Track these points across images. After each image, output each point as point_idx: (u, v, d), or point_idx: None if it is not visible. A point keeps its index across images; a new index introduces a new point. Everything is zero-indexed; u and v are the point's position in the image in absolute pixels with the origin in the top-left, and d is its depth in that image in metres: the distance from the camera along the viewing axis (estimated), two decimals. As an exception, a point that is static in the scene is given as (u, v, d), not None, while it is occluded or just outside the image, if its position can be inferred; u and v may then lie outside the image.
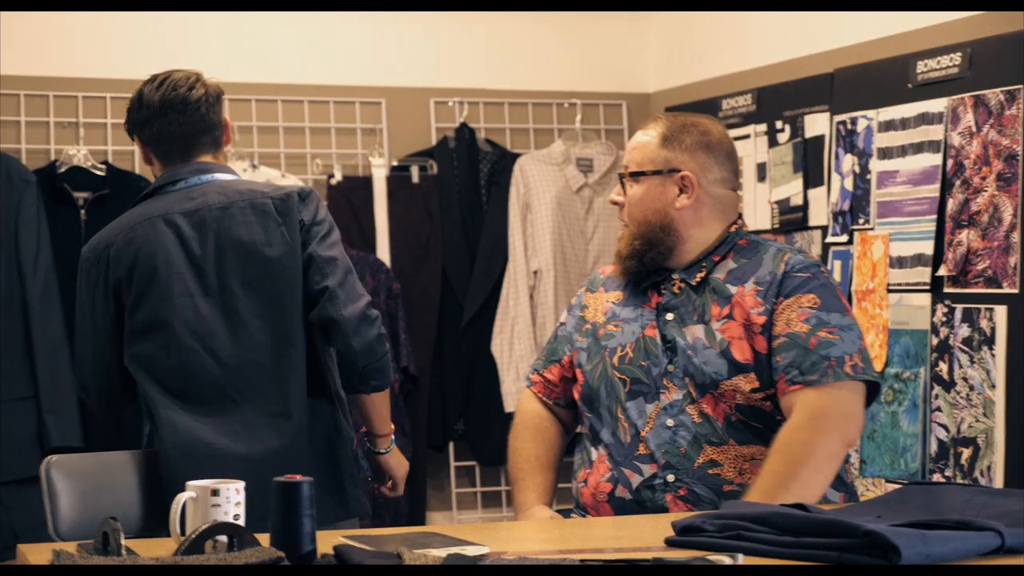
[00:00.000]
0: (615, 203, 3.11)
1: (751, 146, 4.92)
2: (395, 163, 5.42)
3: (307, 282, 3.04)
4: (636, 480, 2.93)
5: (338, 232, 3.14)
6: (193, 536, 2.11)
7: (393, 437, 3.31)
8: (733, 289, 2.96)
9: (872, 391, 2.92)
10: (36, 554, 2.28)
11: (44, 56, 5.03)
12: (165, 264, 3.03)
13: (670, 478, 2.90)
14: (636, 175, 3.05)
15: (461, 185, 5.44)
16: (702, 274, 3.00)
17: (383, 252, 5.28)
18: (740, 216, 3.11)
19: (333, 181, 5.31)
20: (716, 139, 3.07)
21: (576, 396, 3.11)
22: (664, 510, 2.88)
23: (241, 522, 2.28)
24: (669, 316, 2.99)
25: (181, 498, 2.31)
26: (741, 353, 2.91)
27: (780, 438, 2.82)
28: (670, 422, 2.92)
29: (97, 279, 3.09)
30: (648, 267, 3.03)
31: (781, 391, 2.87)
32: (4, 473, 4.65)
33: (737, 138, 4.81)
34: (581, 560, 2.07)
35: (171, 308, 3.01)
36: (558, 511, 3.10)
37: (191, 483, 2.33)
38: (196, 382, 2.99)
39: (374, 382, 3.11)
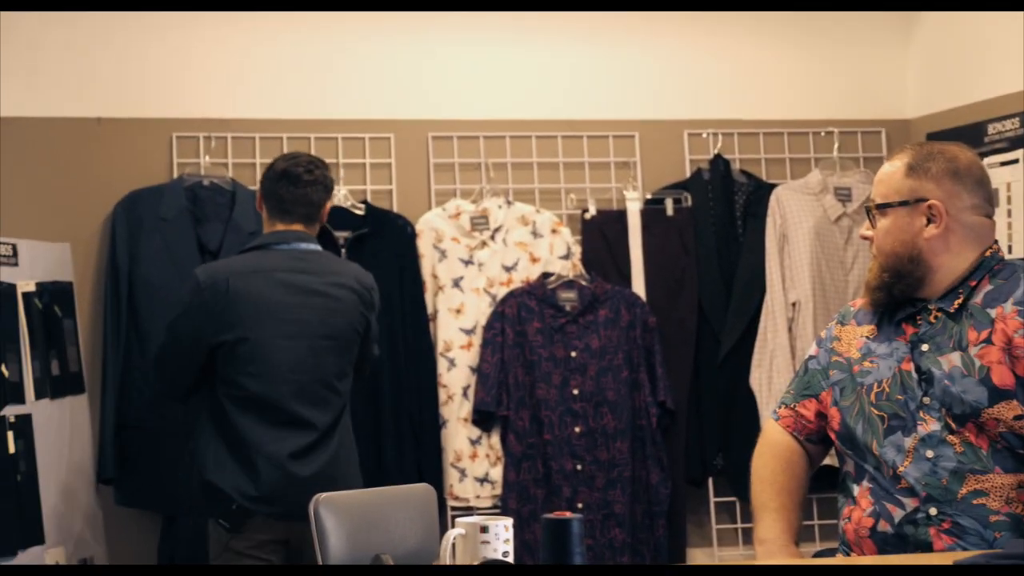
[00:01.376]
0: (865, 238, 3.06)
1: (1020, 171, 4.76)
2: (649, 196, 5.40)
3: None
4: (898, 514, 2.87)
5: None
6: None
7: None
8: (992, 312, 2.89)
9: None
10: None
11: (296, 98, 5.16)
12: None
13: (932, 511, 2.84)
14: (882, 207, 3.00)
15: (716, 217, 5.39)
16: (959, 300, 2.94)
17: (638, 286, 5.26)
18: (996, 242, 3.03)
19: (587, 215, 5.32)
20: (964, 165, 3.00)
21: (832, 434, 3.06)
22: (927, 544, 2.82)
23: (510, 558, 2.28)
24: (925, 347, 2.93)
25: (451, 534, 2.33)
26: (1001, 379, 2.83)
27: None
28: (930, 454, 2.86)
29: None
30: (897, 298, 2.99)
31: None
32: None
33: (1005, 163, 4.67)
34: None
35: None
36: (822, 551, 3.06)
37: (460, 519, 2.34)
38: None
39: None
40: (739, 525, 5.43)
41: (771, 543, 3.02)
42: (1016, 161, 4.78)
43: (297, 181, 4.05)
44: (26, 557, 4.25)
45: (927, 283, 2.97)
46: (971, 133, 4.92)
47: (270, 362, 3.90)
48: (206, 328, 3.92)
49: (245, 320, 3.90)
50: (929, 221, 2.96)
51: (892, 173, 3.01)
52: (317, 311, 3.98)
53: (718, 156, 5.43)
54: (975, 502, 2.82)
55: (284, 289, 3.97)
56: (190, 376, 4.00)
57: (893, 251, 2.98)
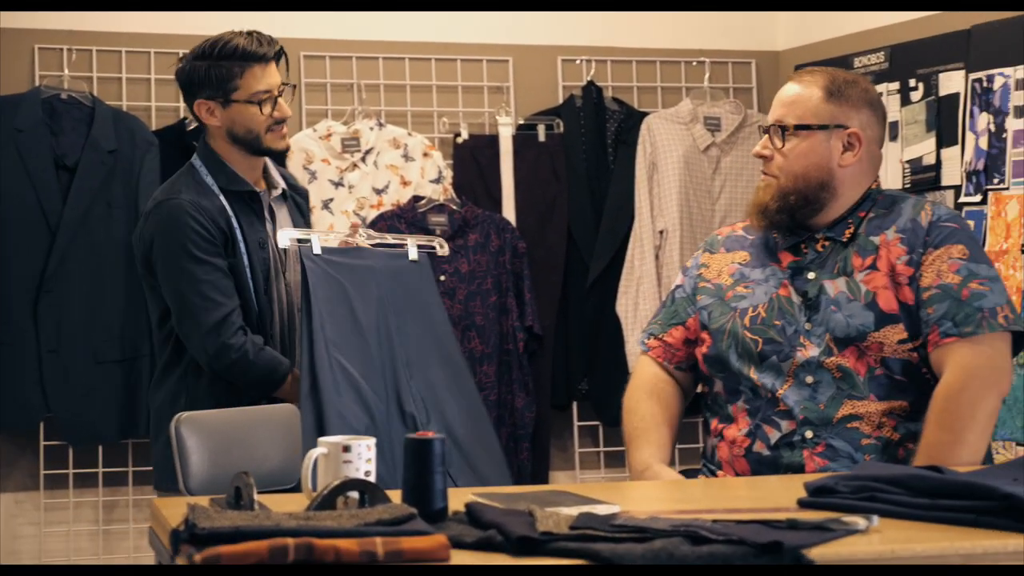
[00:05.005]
0: (761, 156, 3.02)
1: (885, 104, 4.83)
2: (522, 121, 5.41)
3: None
4: (775, 436, 2.91)
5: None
6: (325, 492, 2.13)
7: None
8: (876, 239, 2.93)
9: (1018, 342, 2.90)
10: (170, 508, 2.32)
11: (173, 14, 5.06)
12: None
13: (808, 434, 2.88)
14: (801, 128, 2.96)
15: (588, 144, 5.41)
16: (850, 231, 2.97)
17: (508, 211, 5.28)
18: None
19: (459, 139, 5.31)
20: (876, 96, 3.04)
21: (700, 357, 3.07)
22: (800, 466, 2.87)
23: (372, 478, 2.29)
24: (811, 275, 2.96)
25: (313, 454, 2.33)
26: (887, 303, 2.88)
27: (939, 402, 2.80)
28: (809, 379, 2.90)
29: None
30: (798, 222, 2.98)
31: (933, 343, 2.84)
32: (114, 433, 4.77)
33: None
34: (713, 520, 2.05)
35: None
36: (682, 471, 3.07)
37: (323, 439, 2.34)
38: None
39: None
40: (602, 449, 5.50)
41: (643, 466, 2.99)
42: (881, 95, 4.85)
43: None
44: None
45: (824, 210, 2.98)
46: (837, 66, 4.95)
47: None
48: None
49: None
50: (846, 148, 2.96)
51: (810, 95, 2.97)
52: None
53: (591, 83, 5.45)
54: (848, 426, 2.87)
55: None
56: None
57: (805, 174, 2.95)
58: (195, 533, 1.89)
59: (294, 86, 3.58)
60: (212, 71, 3.39)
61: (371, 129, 5.14)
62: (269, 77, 3.43)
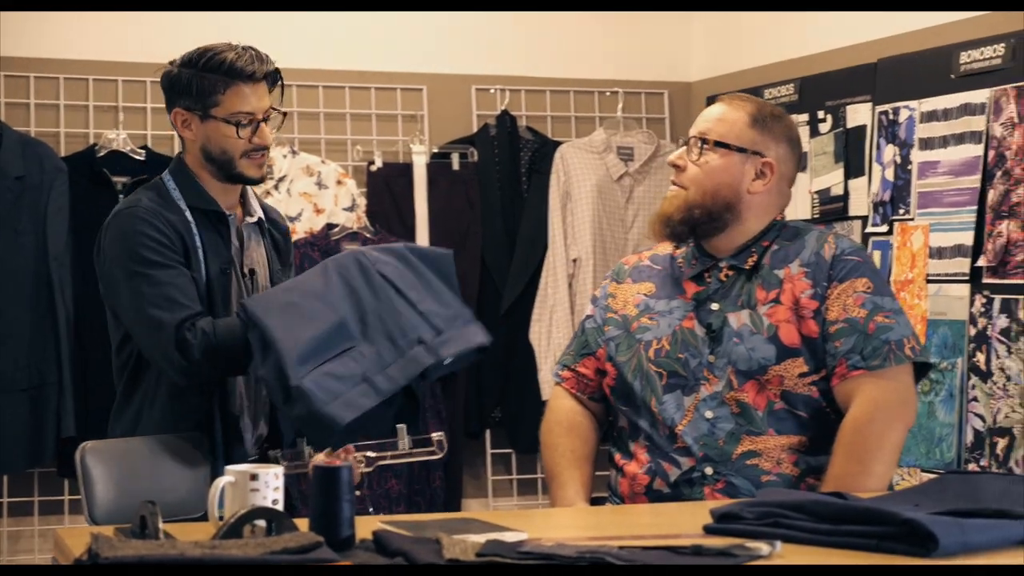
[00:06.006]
0: (676, 165, 3.01)
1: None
2: (436, 150, 5.42)
3: None
4: (674, 473, 2.91)
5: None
6: (231, 520, 2.12)
7: None
8: (780, 272, 2.94)
9: (921, 372, 2.95)
10: (74, 538, 2.30)
11: (83, 39, 5.04)
12: None
13: (708, 471, 2.89)
14: (721, 145, 2.98)
15: (502, 173, 5.44)
16: (753, 259, 2.98)
17: (422, 239, 5.28)
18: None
19: (373, 167, 5.32)
20: (797, 135, 3.06)
21: (608, 390, 3.07)
22: None
23: (279, 507, 2.29)
24: (715, 306, 2.96)
25: (220, 482, 2.32)
26: (788, 337, 2.89)
27: (847, 435, 2.83)
28: (709, 414, 2.90)
29: None
30: (698, 237, 2.99)
31: (840, 376, 2.87)
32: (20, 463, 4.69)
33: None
34: (619, 547, 2.06)
35: None
36: (594, 499, 3.08)
37: (229, 467, 2.33)
38: None
39: None
40: (514, 476, 5.51)
41: (566, 504, 2.99)
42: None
43: None
44: None
45: (725, 235, 2.98)
46: (748, 98, 5.03)
47: None
48: None
49: None
50: (758, 176, 2.98)
51: (735, 118, 2.99)
52: None
53: (505, 112, 5.47)
54: (748, 463, 2.88)
55: None
56: None
57: (715, 191, 2.96)
58: (98, 563, 1.88)
59: (285, 113, 3.23)
60: (195, 81, 3.09)
61: (284, 157, 5.13)
62: (255, 99, 3.11)
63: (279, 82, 3.17)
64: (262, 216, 3.23)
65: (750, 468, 2.88)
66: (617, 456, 3.05)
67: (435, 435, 3.14)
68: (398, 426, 3.08)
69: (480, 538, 2.12)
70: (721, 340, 2.93)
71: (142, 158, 4.95)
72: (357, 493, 2.29)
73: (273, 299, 2.94)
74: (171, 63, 3.13)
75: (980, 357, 4.10)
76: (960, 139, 4.22)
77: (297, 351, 2.83)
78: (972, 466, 4.10)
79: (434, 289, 3.03)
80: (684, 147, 3.03)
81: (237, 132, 3.08)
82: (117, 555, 1.89)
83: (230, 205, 3.17)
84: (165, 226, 3.03)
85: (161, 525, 2.14)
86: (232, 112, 3.08)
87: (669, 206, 3.00)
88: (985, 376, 4.08)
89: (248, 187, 3.22)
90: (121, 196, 4.85)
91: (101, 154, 4.91)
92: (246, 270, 3.15)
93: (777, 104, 4.96)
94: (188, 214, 3.09)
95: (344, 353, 2.88)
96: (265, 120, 3.12)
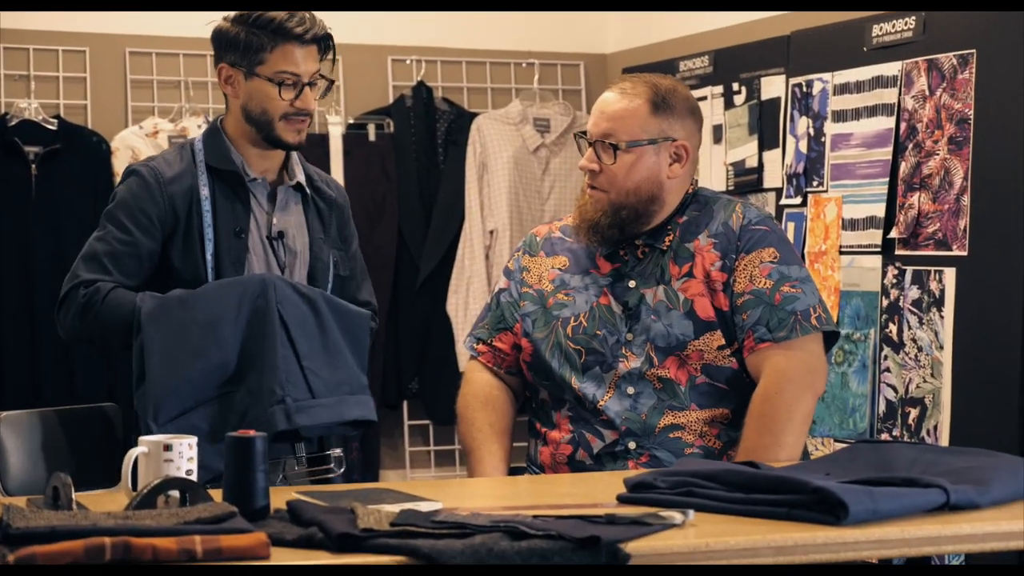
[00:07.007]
0: (588, 170, 2.97)
1: (707, 108, 4.93)
2: (351, 121, 5.40)
3: None
4: (597, 445, 2.92)
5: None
6: (145, 491, 2.11)
7: None
8: (690, 245, 2.94)
9: (830, 339, 2.95)
10: (-13, 508, 2.28)
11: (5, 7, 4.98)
12: None
13: (632, 445, 2.90)
14: (633, 144, 2.93)
15: (418, 144, 5.43)
16: (671, 237, 2.96)
17: (338, 210, 5.26)
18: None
19: (288, 138, 5.28)
20: (695, 102, 3.03)
21: (525, 366, 3.05)
22: None
23: (194, 477, 2.28)
24: (631, 283, 2.96)
25: (133, 453, 2.31)
26: (704, 311, 2.90)
27: (757, 407, 2.84)
28: (631, 390, 2.91)
29: None
30: (628, 236, 2.96)
31: (748, 348, 2.88)
32: None
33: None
34: (534, 515, 2.08)
35: None
36: (511, 469, 3.08)
37: (143, 438, 2.32)
38: None
39: None
40: (432, 448, 5.52)
41: (485, 476, 2.97)
42: (705, 98, 4.95)
43: None
44: None
45: (650, 220, 2.97)
46: (664, 69, 5.02)
47: None
48: None
49: None
50: (674, 160, 2.95)
51: (634, 110, 2.93)
52: None
53: (421, 83, 5.46)
54: (671, 436, 2.88)
55: None
56: None
57: (636, 189, 2.92)
58: (8, 533, 1.86)
59: (332, 81, 3.12)
60: (243, 37, 3.00)
61: (199, 127, 5.08)
62: (302, 61, 3.01)
63: (331, 49, 3.09)
64: (302, 180, 3.13)
65: (673, 441, 2.89)
66: (538, 424, 3.04)
67: (334, 452, 3.10)
68: (296, 444, 3.03)
69: (395, 508, 2.13)
70: (639, 317, 2.92)
71: (54, 127, 4.90)
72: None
73: (172, 312, 2.87)
74: (225, 18, 3.07)
75: (892, 328, 4.15)
76: (872, 111, 4.26)
77: (171, 387, 2.82)
78: (884, 436, 4.15)
79: (331, 347, 2.94)
80: (591, 148, 2.97)
81: (280, 92, 3.00)
82: (28, 525, 1.88)
83: (267, 169, 3.10)
84: (158, 194, 2.98)
85: (74, 496, 2.13)
86: (277, 71, 3.00)
87: (594, 212, 2.96)
88: (897, 347, 4.13)
89: (292, 152, 3.13)
90: (33, 166, 4.81)
91: (12, 123, 4.85)
92: (275, 232, 3.07)
93: (692, 76, 5.01)
94: (204, 176, 3.02)
95: (216, 399, 2.85)
96: (311, 85, 3.04)
